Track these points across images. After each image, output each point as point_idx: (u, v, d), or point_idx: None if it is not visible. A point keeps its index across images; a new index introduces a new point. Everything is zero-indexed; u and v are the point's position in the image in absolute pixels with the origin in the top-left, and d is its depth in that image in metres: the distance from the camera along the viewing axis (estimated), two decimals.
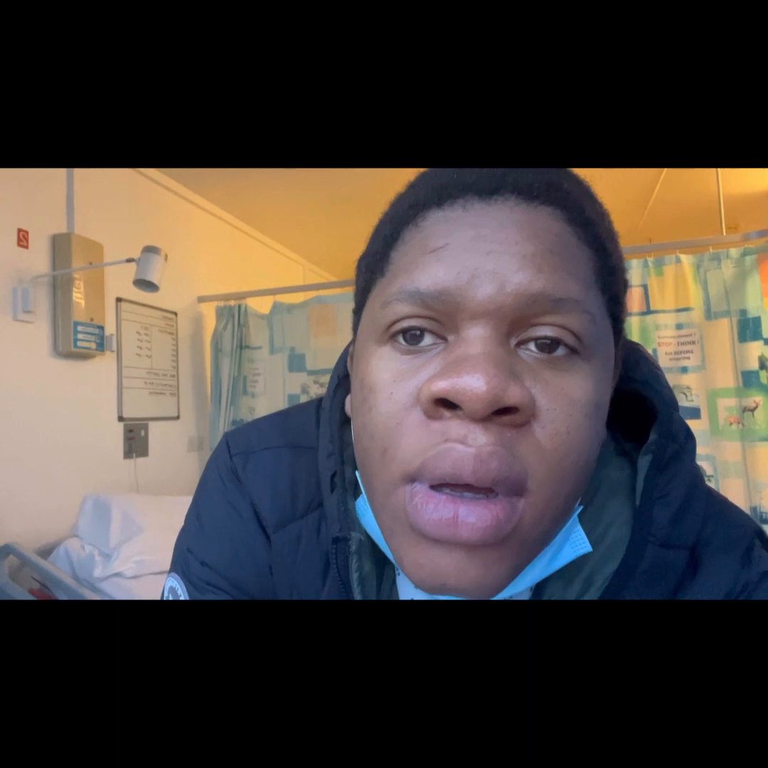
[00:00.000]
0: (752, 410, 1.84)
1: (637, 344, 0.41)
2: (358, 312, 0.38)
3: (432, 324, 0.31)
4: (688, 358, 1.96)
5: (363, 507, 0.37)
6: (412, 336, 0.31)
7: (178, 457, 2.65)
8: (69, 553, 1.77)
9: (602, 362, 0.32)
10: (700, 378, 1.95)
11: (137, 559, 1.66)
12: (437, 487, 0.29)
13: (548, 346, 0.30)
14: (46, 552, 1.84)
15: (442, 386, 0.28)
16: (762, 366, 1.81)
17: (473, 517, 0.28)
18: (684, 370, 1.97)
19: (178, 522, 0.46)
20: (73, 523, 1.90)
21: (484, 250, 0.29)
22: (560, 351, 0.30)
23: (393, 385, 0.31)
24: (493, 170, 0.32)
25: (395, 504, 0.31)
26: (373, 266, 0.35)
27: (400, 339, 0.32)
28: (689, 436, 0.37)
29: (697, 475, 0.36)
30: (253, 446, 0.44)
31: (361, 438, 0.33)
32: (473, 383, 0.27)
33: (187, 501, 0.46)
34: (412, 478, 0.30)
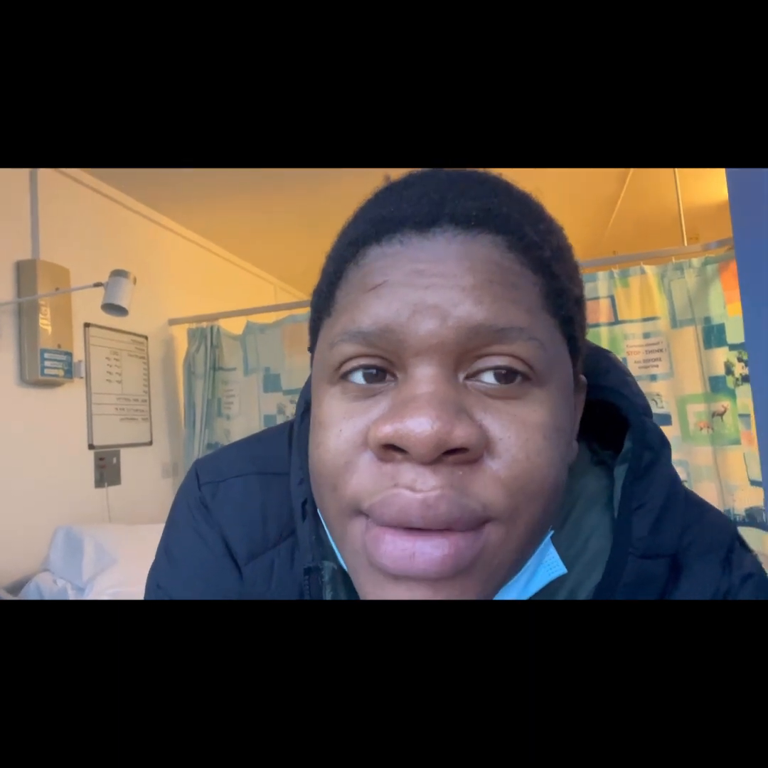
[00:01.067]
0: (721, 415, 1.89)
1: (606, 351, 0.41)
2: (312, 350, 0.38)
3: (380, 362, 0.30)
4: (657, 366, 2.01)
5: None
6: (365, 375, 0.31)
7: (152, 484, 2.60)
8: (40, 589, 1.72)
9: (558, 386, 0.31)
10: (669, 385, 1.99)
11: (112, 592, 1.61)
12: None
13: (504, 376, 0.29)
14: (16, 588, 1.78)
15: (386, 431, 0.27)
16: (728, 371, 1.87)
17: (429, 546, 0.27)
18: (653, 377, 2.01)
19: (154, 551, 0.45)
20: (43, 556, 1.84)
21: (423, 284, 0.29)
22: (511, 380, 0.29)
23: (342, 423, 0.30)
24: (431, 198, 0.31)
25: (352, 536, 0.30)
26: (320, 306, 0.35)
27: (350, 379, 0.31)
28: (664, 443, 0.37)
29: (675, 480, 0.36)
30: (222, 474, 0.43)
31: (314, 474, 0.33)
32: (416, 428, 0.26)
33: (162, 529, 0.45)
34: (364, 514, 0.29)
